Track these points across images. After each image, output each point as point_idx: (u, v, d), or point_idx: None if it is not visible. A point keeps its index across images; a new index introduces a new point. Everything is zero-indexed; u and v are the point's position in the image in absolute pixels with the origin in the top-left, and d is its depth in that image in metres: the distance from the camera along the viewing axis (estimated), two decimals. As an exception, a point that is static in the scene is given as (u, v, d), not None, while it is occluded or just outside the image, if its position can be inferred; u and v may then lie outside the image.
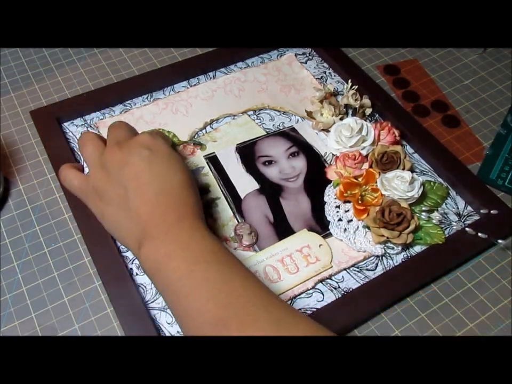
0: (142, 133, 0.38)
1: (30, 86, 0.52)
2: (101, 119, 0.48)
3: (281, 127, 0.49)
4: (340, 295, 0.38)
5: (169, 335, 0.36)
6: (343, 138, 0.45)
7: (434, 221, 0.42)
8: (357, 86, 0.49)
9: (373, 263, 0.40)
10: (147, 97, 0.50)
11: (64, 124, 0.48)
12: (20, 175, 0.45)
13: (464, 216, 0.43)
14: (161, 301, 0.37)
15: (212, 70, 0.53)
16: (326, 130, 0.48)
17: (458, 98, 0.54)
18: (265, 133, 0.48)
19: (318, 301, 0.38)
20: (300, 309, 0.37)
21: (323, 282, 0.39)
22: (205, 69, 0.53)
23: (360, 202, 0.41)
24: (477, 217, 0.43)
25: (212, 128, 0.48)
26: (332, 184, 0.44)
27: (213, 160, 0.46)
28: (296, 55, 0.55)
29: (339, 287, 0.39)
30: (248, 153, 0.47)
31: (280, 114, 0.50)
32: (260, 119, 0.49)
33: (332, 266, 0.39)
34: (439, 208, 0.43)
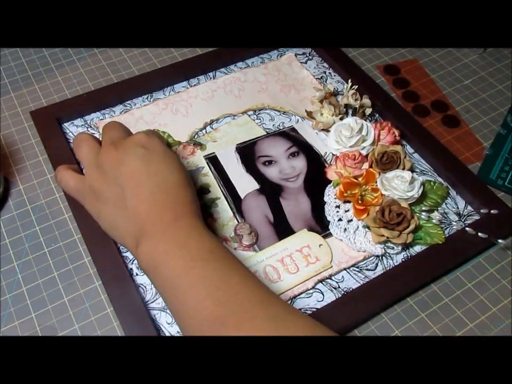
0: (138, 133, 0.38)
1: (30, 86, 0.52)
2: (101, 119, 0.48)
3: (281, 127, 0.49)
4: (340, 295, 0.38)
5: (169, 335, 0.36)
6: (343, 138, 0.45)
7: (434, 221, 0.42)
8: (357, 86, 0.49)
9: (373, 263, 0.40)
10: (147, 98, 0.50)
11: (64, 124, 0.48)
12: (19, 175, 0.45)
13: (464, 216, 0.43)
14: (161, 301, 0.37)
15: (212, 70, 0.53)
16: (326, 130, 0.48)
17: (458, 98, 0.54)
18: (265, 133, 0.48)
19: (318, 301, 0.38)
20: (299, 309, 0.37)
21: (323, 282, 0.39)
22: (205, 69, 0.53)
23: (360, 202, 0.41)
24: (477, 217, 0.43)
25: (212, 128, 0.48)
26: (331, 184, 0.44)
27: (213, 160, 0.46)
28: (296, 55, 0.55)
29: (339, 287, 0.39)
30: (248, 153, 0.47)
31: (280, 114, 0.50)
32: (260, 119, 0.49)
33: (331, 266, 0.39)
34: (439, 208, 0.43)
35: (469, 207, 0.44)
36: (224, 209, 0.43)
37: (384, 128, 0.46)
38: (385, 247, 0.40)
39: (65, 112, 0.48)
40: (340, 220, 0.42)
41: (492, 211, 0.42)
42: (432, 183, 0.44)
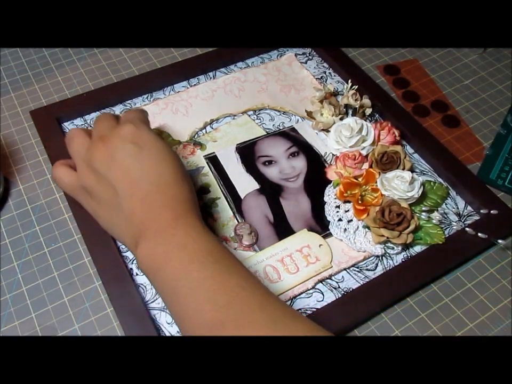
0: (125, 123, 0.36)
1: (30, 86, 0.52)
2: (101, 119, 0.48)
3: (281, 127, 0.49)
4: (340, 295, 0.38)
5: (169, 335, 0.36)
6: (343, 138, 0.45)
7: (434, 221, 0.42)
8: (357, 86, 0.49)
9: (373, 263, 0.40)
10: (147, 97, 0.50)
11: (64, 123, 0.48)
12: (19, 175, 0.45)
13: (464, 216, 0.43)
14: (161, 301, 0.37)
15: (212, 70, 0.53)
16: (326, 130, 0.48)
17: (458, 98, 0.54)
18: (265, 133, 0.48)
19: (318, 301, 0.38)
20: (299, 309, 0.37)
21: (323, 282, 0.39)
22: (205, 69, 0.53)
23: (360, 202, 0.41)
24: (477, 217, 0.43)
25: (212, 128, 0.48)
26: (331, 184, 0.44)
27: (213, 160, 0.46)
28: (296, 55, 0.55)
29: (339, 287, 0.39)
30: (248, 153, 0.47)
31: (280, 114, 0.50)
32: (260, 119, 0.49)
33: (331, 266, 0.39)
34: (439, 208, 0.43)
35: (469, 207, 0.44)
36: (224, 209, 0.43)
37: (384, 128, 0.46)
38: (385, 247, 0.40)
39: (65, 112, 0.48)
40: (340, 220, 0.42)
41: (491, 211, 0.42)
42: (432, 183, 0.44)
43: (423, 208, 0.42)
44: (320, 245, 0.40)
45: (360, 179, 0.42)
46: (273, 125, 0.49)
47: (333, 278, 0.39)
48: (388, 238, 0.39)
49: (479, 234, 0.41)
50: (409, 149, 0.48)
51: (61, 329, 0.36)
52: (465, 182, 0.44)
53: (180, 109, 0.49)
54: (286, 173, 0.45)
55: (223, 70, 0.54)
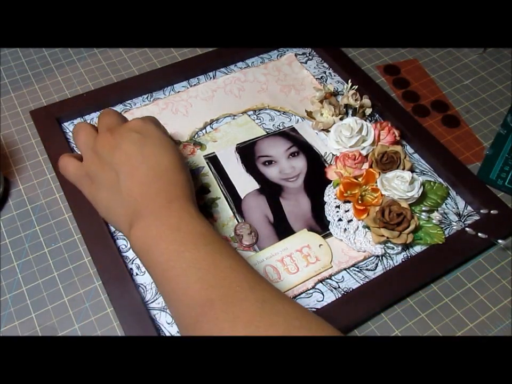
0: (133, 119, 0.38)
1: (30, 86, 0.52)
2: (101, 119, 0.48)
3: (281, 127, 0.49)
4: (340, 295, 0.38)
5: (169, 335, 0.36)
6: (343, 138, 0.45)
7: (434, 221, 0.42)
8: (357, 86, 0.49)
9: (373, 263, 0.40)
10: (147, 97, 0.50)
11: (64, 123, 0.48)
12: (19, 175, 0.45)
13: (464, 216, 0.43)
14: (161, 301, 0.37)
15: (212, 70, 0.53)
16: (326, 130, 0.48)
17: (458, 98, 0.54)
18: (265, 133, 0.48)
19: (318, 301, 0.38)
20: (299, 309, 0.37)
21: (323, 282, 0.39)
22: (205, 69, 0.53)
23: (360, 202, 0.41)
24: (477, 217, 0.43)
25: (212, 128, 0.48)
26: (331, 184, 0.44)
27: (213, 160, 0.46)
28: (296, 55, 0.55)
29: (339, 287, 0.39)
30: (248, 153, 0.47)
31: (280, 114, 0.50)
32: (260, 119, 0.49)
33: (331, 266, 0.39)
34: (439, 208, 0.43)
35: (469, 207, 0.44)
36: (224, 209, 0.43)
37: (384, 128, 0.46)
38: (385, 247, 0.40)
39: (65, 112, 0.48)
40: (340, 220, 0.42)
41: (491, 211, 0.42)
42: (432, 183, 0.44)
43: (423, 208, 0.42)
44: (320, 245, 0.40)
45: (360, 179, 0.42)
46: (273, 125, 0.49)
47: (333, 278, 0.39)
48: (388, 238, 0.39)
49: (479, 234, 0.41)
50: (409, 149, 0.48)
51: (61, 329, 0.36)
52: (465, 182, 0.44)
53: (179, 109, 0.49)
54: (286, 173, 0.45)
55: (223, 70, 0.54)
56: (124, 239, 0.40)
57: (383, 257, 0.41)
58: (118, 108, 0.49)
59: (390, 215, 0.39)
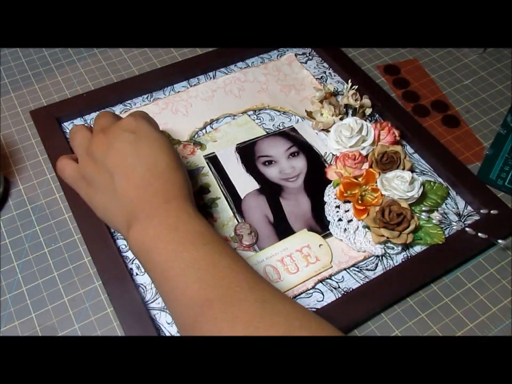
0: (126, 117, 0.38)
1: (30, 86, 0.52)
2: (101, 119, 0.48)
3: (281, 127, 0.49)
4: (340, 295, 0.38)
5: (169, 335, 0.36)
6: (343, 138, 0.45)
7: (434, 221, 0.42)
8: (357, 86, 0.49)
9: (373, 263, 0.40)
10: (147, 97, 0.50)
11: (64, 123, 0.48)
12: (19, 175, 0.45)
13: (464, 216, 0.43)
14: (161, 301, 0.37)
15: (212, 70, 0.53)
16: (326, 130, 0.48)
17: (458, 98, 0.54)
18: (265, 133, 0.48)
19: (318, 301, 0.38)
20: (299, 309, 0.37)
21: (323, 282, 0.39)
22: (205, 69, 0.53)
23: (360, 202, 0.41)
24: (477, 217, 0.43)
25: (212, 128, 0.48)
26: (331, 184, 0.44)
27: (213, 160, 0.46)
28: (296, 55, 0.55)
29: (339, 287, 0.39)
30: (248, 153, 0.47)
31: (280, 114, 0.50)
32: (260, 119, 0.49)
33: (331, 266, 0.39)
34: (439, 208, 0.43)
35: (469, 207, 0.44)
36: (224, 209, 0.43)
37: (384, 128, 0.46)
38: (385, 247, 0.40)
39: (65, 112, 0.48)
40: (340, 220, 0.42)
41: (491, 211, 0.42)
42: (432, 183, 0.44)
43: (423, 208, 0.42)
44: (320, 245, 0.40)
45: (360, 179, 0.42)
46: (273, 125, 0.49)
47: (333, 278, 0.39)
48: (388, 238, 0.39)
49: (479, 234, 0.41)
50: (409, 149, 0.48)
51: (61, 329, 0.36)
52: (465, 182, 0.44)
53: (179, 109, 0.49)
54: (286, 173, 0.45)
55: (223, 70, 0.54)
56: (124, 239, 0.40)
57: (383, 257, 0.41)
58: (118, 108, 0.49)
59: (390, 215, 0.39)
